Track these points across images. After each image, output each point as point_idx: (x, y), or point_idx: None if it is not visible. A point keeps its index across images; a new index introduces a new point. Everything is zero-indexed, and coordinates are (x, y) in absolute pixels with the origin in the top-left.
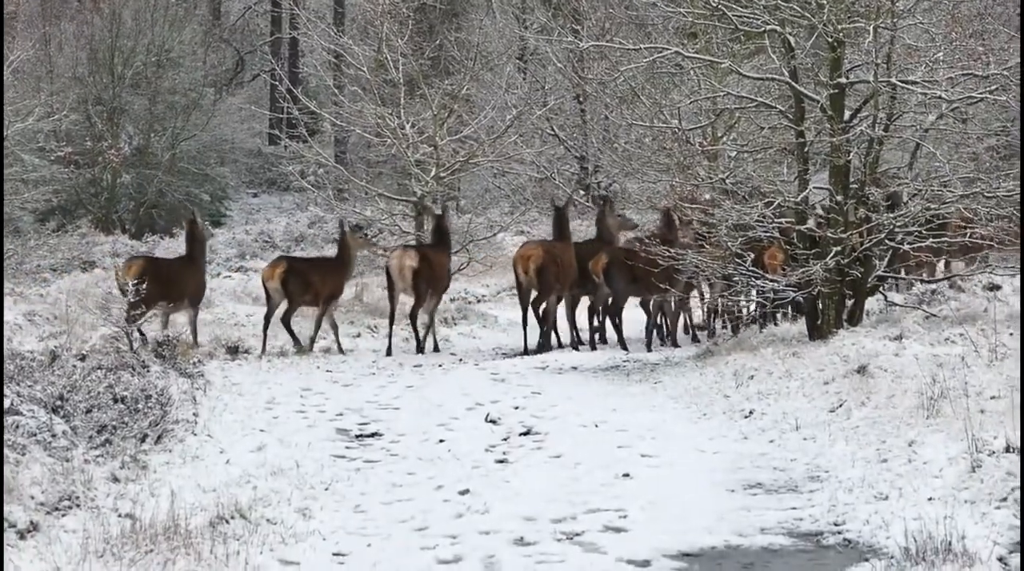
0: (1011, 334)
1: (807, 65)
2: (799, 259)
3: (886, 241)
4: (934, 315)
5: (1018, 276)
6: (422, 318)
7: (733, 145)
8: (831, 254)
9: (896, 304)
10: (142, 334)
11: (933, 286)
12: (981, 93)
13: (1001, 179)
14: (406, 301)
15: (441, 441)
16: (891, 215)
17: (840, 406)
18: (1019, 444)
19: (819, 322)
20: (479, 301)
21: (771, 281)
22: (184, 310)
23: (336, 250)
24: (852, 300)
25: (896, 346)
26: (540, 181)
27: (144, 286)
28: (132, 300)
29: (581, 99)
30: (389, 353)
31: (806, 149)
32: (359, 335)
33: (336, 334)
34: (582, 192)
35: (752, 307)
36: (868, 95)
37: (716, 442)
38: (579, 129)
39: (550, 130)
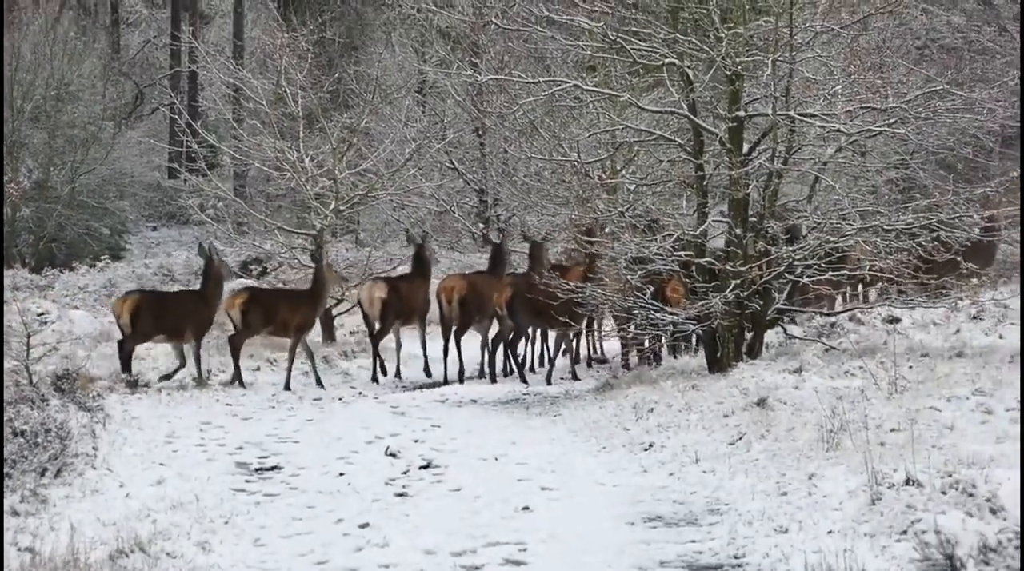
0: (911, 367)
1: (706, 98)
2: (698, 292)
3: (785, 274)
4: (833, 348)
5: (914, 309)
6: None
7: (632, 178)
8: (730, 287)
9: (795, 337)
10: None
11: (832, 319)
12: (879, 126)
13: (900, 212)
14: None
15: (341, 474)
16: (790, 248)
17: (740, 439)
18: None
19: (719, 355)
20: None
21: (671, 314)
22: (186, 343)
23: (310, 283)
24: (751, 333)
25: (796, 379)
26: (440, 214)
27: (139, 320)
28: (126, 334)
29: (480, 132)
30: (376, 379)
31: (705, 182)
32: (258, 369)
33: (312, 364)
34: (482, 225)
35: (651, 341)
36: (767, 128)
37: (616, 475)
38: (478, 162)
39: (449, 163)
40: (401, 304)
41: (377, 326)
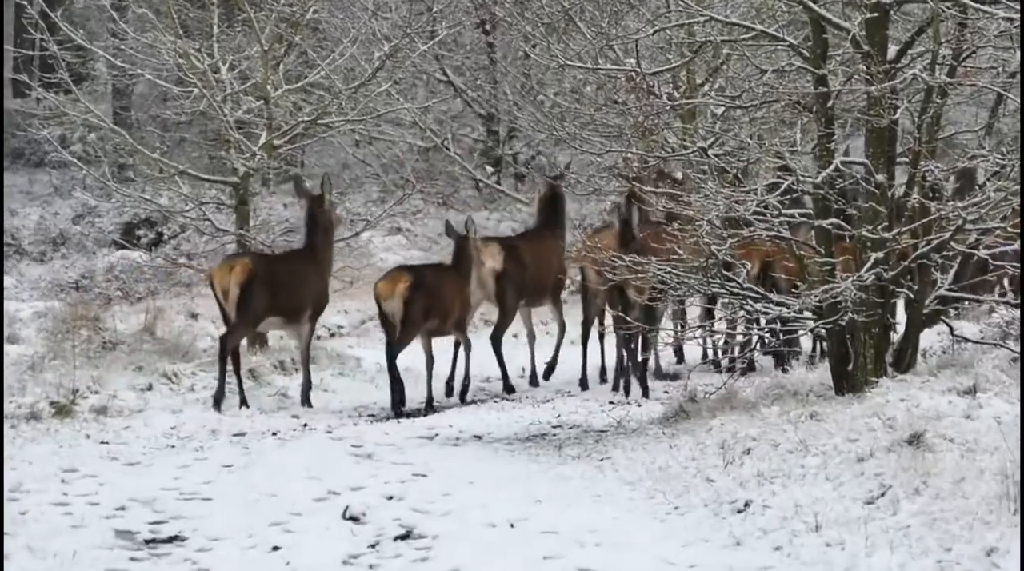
0: None
1: None
2: (821, 271)
3: (952, 243)
4: None
5: None
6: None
7: (719, 97)
8: (868, 263)
9: (967, 339)
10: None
11: None
12: None
13: None
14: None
15: (275, 549)
16: (960, 204)
17: (883, 495)
18: None
19: (850, 367)
20: (333, 335)
21: (779, 304)
22: (297, 328)
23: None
24: (901, 334)
25: (968, 404)
26: (426, 152)
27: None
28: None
29: (488, 28)
30: (398, 412)
31: (830, 104)
32: (150, 387)
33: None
34: (490, 169)
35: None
36: (925, 20)
37: (693, 550)
38: (485, 73)
39: (441, 75)
40: (430, 301)
41: (399, 330)
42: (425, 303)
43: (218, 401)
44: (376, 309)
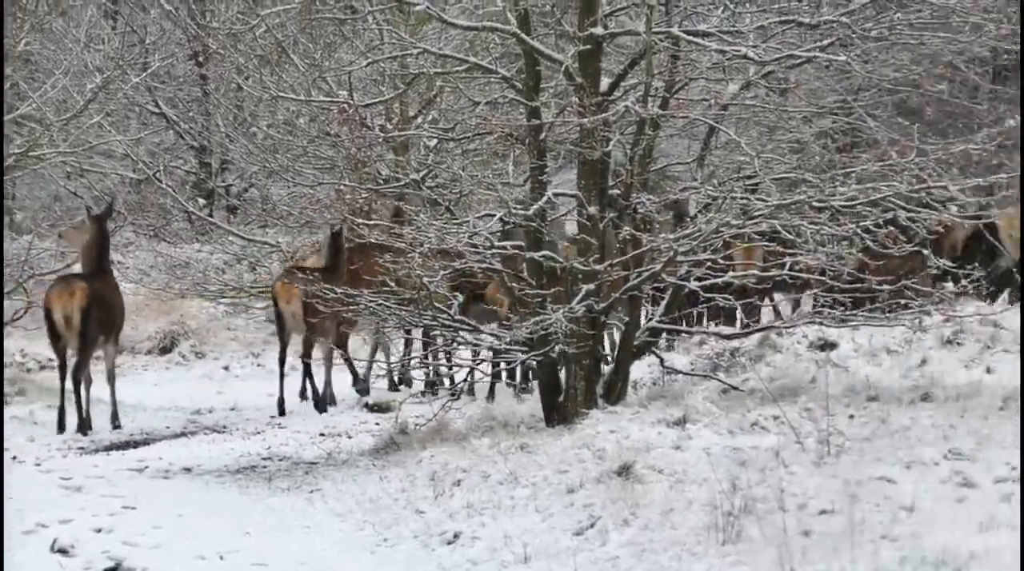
0: (852, 416)
1: (544, 7)
2: (531, 302)
3: (663, 275)
4: (735, 388)
5: (858, 329)
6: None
7: (432, 129)
8: (580, 295)
9: (678, 371)
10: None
11: (735, 343)
12: (807, 50)
13: (838, 181)
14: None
15: None
16: (672, 236)
17: (592, 526)
18: None
19: (561, 398)
20: (44, 368)
21: (490, 334)
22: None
23: None
24: (611, 365)
25: (677, 435)
26: (138, 184)
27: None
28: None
29: (201, 59)
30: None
31: (543, 136)
32: None
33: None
34: (202, 201)
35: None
36: (638, 53)
37: None
38: (198, 105)
39: (154, 106)
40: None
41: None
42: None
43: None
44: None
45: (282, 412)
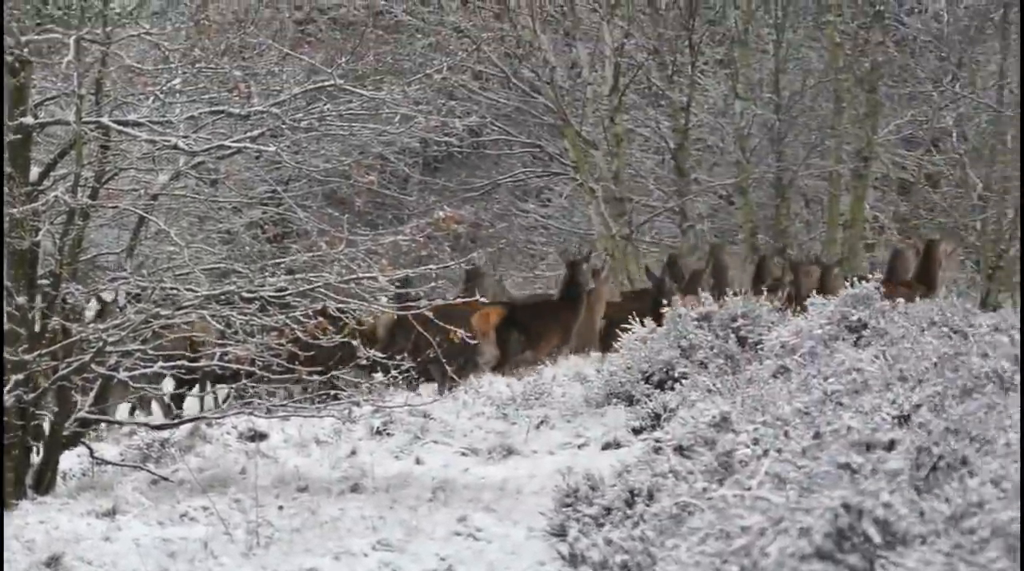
0: (281, 507)
1: None
2: None
3: (93, 365)
4: (165, 479)
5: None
6: None
7: None
8: (9, 385)
9: (108, 462)
10: None
11: (166, 434)
12: (238, 140)
13: (267, 271)
14: None
15: None
16: (100, 326)
17: None
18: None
19: None
20: None
21: None
22: None
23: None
24: (41, 455)
25: (107, 525)
26: None
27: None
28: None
29: None
30: None
31: None
32: None
33: None
34: None
35: None
36: (68, 143)
37: None
38: None
39: None
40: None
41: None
42: None
43: None
44: None
45: None
